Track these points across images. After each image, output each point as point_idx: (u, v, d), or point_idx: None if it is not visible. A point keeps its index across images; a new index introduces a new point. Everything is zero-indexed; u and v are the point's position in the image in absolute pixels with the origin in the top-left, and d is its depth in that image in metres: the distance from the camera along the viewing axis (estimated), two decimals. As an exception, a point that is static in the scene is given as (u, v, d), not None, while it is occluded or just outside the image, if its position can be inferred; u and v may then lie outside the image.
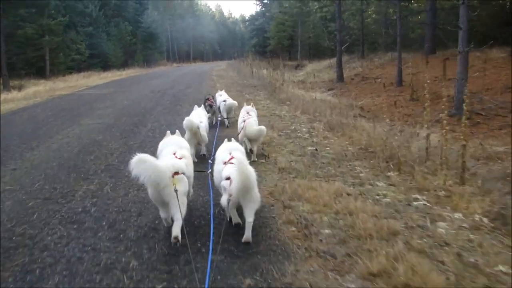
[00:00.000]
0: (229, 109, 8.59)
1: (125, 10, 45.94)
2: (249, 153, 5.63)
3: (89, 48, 35.08)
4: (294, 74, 29.59)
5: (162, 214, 3.53)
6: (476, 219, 3.69)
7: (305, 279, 2.81)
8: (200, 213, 4.00)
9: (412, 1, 32.02)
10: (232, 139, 4.51)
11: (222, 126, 7.95)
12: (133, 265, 3.05)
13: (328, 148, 6.44)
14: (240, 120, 6.37)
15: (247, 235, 3.28)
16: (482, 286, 2.69)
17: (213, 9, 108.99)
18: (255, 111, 6.87)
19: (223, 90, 9.57)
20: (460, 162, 4.89)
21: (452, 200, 4.13)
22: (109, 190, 4.76)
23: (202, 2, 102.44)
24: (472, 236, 3.36)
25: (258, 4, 66.14)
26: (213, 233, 3.26)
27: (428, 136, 5.47)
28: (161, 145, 4.39)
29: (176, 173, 3.39)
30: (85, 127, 8.74)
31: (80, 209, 4.19)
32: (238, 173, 3.24)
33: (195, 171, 4.06)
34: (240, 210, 3.53)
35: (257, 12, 68.48)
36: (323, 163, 5.62)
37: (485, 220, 3.67)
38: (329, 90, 20.86)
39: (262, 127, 5.89)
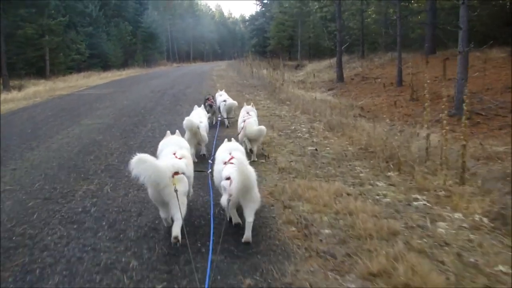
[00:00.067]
0: (229, 109, 8.59)
1: (125, 10, 45.97)
2: (249, 153, 5.64)
3: (89, 48, 35.11)
4: (294, 74, 29.62)
5: (162, 214, 3.53)
6: (476, 219, 3.69)
7: (305, 279, 2.81)
8: (200, 213, 4.00)
9: (412, 1, 32.04)
10: (232, 139, 4.52)
11: (222, 126, 7.96)
12: (133, 265, 3.05)
13: (328, 148, 6.44)
14: (240, 120, 6.37)
15: (247, 235, 3.28)
16: (482, 286, 2.69)
17: (213, 9, 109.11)
18: (255, 111, 6.87)
19: (223, 90, 9.57)
20: (460, 162, 4.89)
21: (452, 200, 4.13)
22: (109, 190, 4.76)
23: (202, 2, 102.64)
24: (472, 236, 3.36)
25: (258, 4, 66.24)
26: (213, 233, 3.26)
27: (428, 136, 5.47)
28: (161, 145, 4.39)
29: (176, 173, 3.39)
30: (85, 127, 8.74)
31: (80, 209, 4.19)
32: (238, 173, 3.24)
33: (195, 171, 4.06)
34: (240, 210, 3.53)
35: (257, 12, 68.56)
36: (323, 163, 5.62)
37: (485, 220, 3.67)
38: (329, 90, 20.87)
39: (262, 127, 5.89)
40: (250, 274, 2.88)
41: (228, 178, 3.45)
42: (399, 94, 16.43)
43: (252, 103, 7.14)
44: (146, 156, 3.18)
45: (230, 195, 3.33)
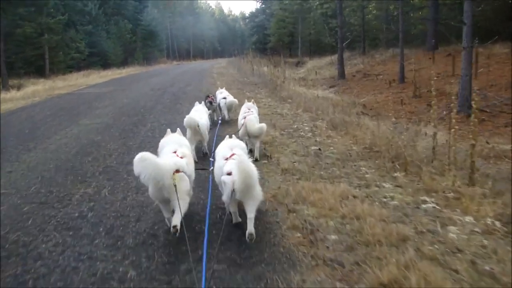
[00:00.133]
0: (230, 107, 8.51)
1: (124, 8, 45.79)
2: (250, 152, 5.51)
3: (88, 46, 34.95)
4: (294, 71, 29.45)
5: (165, 213, 3.47)
6: (488, 222, 3.53)
7: (312, 290, 2.67)
8: (201, 217, 3.84)
9: (414, -3, 31.83)
10: (233, 135, 4.45)
11: (223, 124, 7.82)
12: (131, 275, 2.91)
13: (331, 148, 6.28)
14: (240, 116, 6.28)
15: (250, 229, 3.13)
16: (499, 297, 2.55)
17: (213, 7, 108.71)
18: (256, 108, 6.77)
19: (224, 87, 9.45)
20: (468, 161, 4.75)
21: (462, 202, 3.98)
22: (107, 193, 4.61)
23: (202, 0, 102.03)
24: (485, 242, 3.20)
25: (258, 1, 65.98)
26: (215, 240, 3.15)
27: (435, 134, 5.31)
28: (162, 143, 4.32)
29: (177, 171, 3.35)
30: (83, 127, 8.59)
31: (76, 214, 4.05)
32: (239, 171, 3.16)
33: (196, 169, 4.02)
34: (240, 207, 3.47)
35: (257, 9, 68.29)
36: (327, 163, 5.47)
37: (498, 224, 3.51)
38: (330, 87, 20.72)
39: (263, 125, 5.77)
40: (254, 285, 2.74)
41: (229, 174, 3.37)
42: (402, 91, 16.29)
43: (253, 100, 7.03)
44: (147, 154, 3.15)
45: (232, 190, 3.23)
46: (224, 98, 8.53)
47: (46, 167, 5.74)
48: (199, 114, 6.19)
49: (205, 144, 6.03)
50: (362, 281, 2.72)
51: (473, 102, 4.92)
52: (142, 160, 3.12)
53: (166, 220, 3.54)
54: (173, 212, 3.29)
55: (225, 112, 8.43)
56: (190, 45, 75.26)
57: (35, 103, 13.94)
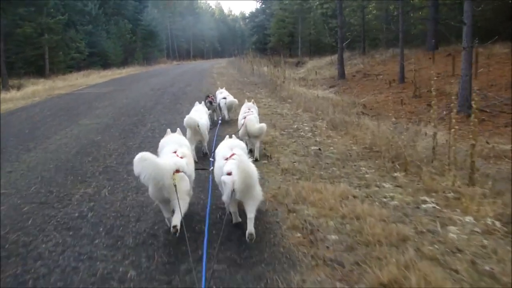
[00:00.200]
0: (230, 107, 8.51)
1: (124, 8, 45.77)
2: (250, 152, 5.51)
3: (88, 46, 34.94)
4: (294, 71, 29.42)
5: (165, 214, 3.47)
6: (488, 222, 3.53)
7: (312, 290, 2.66)
8: (201, 217, 3.84)
9: (414, -3, 31.83)
10: (233, 135, 4.46)
11: (223, 124, 7.82)
12: (131, 275, 2.91)
13: (331, 148, 6.28)
14: (240, 116, 6.28)
15: (250, 229, 3.13)
16: (499, 297, 2.55)
17: (213, 7, 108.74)
18: (256, 107, 6.77)
19: (224, 87, 9.45)
20: (468, 162, 4.74)
21: (462, 202, 3.97)
22: (107, 193, 4.61)
23: (202, 0, 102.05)
24: (485, 242, 3.20)
25: (258, 1, 65.98)
26: (215, 240, 3.15)
27: (435, 135, 5.31)
28: (162, 143, 4.33)
29: (177, 171, 3.35)
30: (83, 127, 8.58)
31: (76, 214, 4.04)
32: (239, 171, 3.16)
33: (196, 169, 4.02)
34: (240, 207, 3.48)
35: (257, 9, 68.28)
36: (327, 163, 5.47)
37: (498, 224, 3.51)
38: (330, 87, 20.72)
39: (263, 125, 5.77)
40: (254, 285, 2.74)
41: (229, 174, 3.37)
42: (402, 91, 16.28)
43: (253, 100, 7.04)
44: (147, 154, 3.15)
45: (233, 190, 3.24)
46: (224, 98, 8.53)
47: (46, 167, 5.74)
48: (199, 114, 6.20)
49: (205, 144, 6.03)
50: (362, 281, 2.72)
51: (473, 102, 4.90)
52: (142, 160, 3.12)
53: (166, 220, 3.54)
54: (173, 212, 3.29)
55: (225, 112, 8.43)
56: (190, 45, 75.28)
57: (35, 103, 13.94)
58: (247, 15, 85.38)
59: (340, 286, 2.69)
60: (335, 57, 27.56)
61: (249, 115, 6.01)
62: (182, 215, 3.16)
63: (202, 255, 2.97)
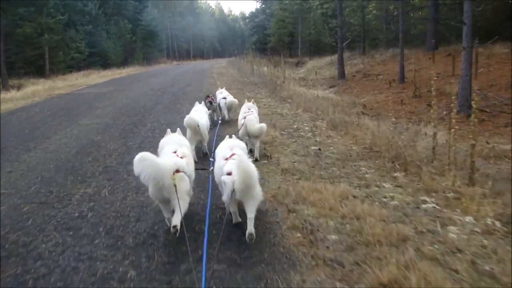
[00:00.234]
0: (230, 107, 8.52)
1: (124, 8, 45.77)
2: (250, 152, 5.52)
3: (88, 46, 34.94)
4: (294, 71, 29.41)
5: (165, 214, 3.47)
6: (489, 222, 3.53)
7: (312, 290, 2.66)
8: (201, 217, 3.84)
9: (414, -3, 31.82)
10: (233, 135, 4.47)
11: (223, 124, 7.82)
12: (131, 275, 2.90)
13: (331, 148, 6.28)
14: (240, 116, 6.28)
15: (250, 229, 3.13)
16: (499, 297, 2.55)
17: (213, 7, 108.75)
18: (256, 107, 6.78)
19: (224, 87, 9.45)
20: (468, 162, 4.74)
21: (462, 202, 3.97)
22: (107, 193, 4.61)
23: (202, 0, 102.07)
24: (485, 242, 3.19)
25: (258, 1, 65.98)
26: (215, 240, 3.16)
27: (435, 135, 5.31)
28: (162, 143, 4.33)
29: (177, 171, 3.35)
30: (83, 127, 8.58)
31: (76, 214, 4.04)
32: (239, 171, 3.17)
33: (196, 169, 4.03)
34: (240, 207, 3.51)
35: (257, 9, 68.27)
36: (327, 163, 5.46)
37: (498, 224, 3.51)
38: (330, 87, 20.72)
39: (263, 125, 5.77)
40: (254, 285, 2.74)
41: (229, 174, 3.37)
42: (402, 91, 16.28)
43: (253, 100, 7.05)
44: (147, 154, 3.15)
45: (232, 190, 3.24)
46: (224, 98, 8.54)
47: (46, 167, 5.74)
48: (199, 114, 6.20)
49: (205, 144, 6.04)
50: (362, 281, 2.72)
51: (473, 102, 4.89)
52: (142, 160, 3.12)
53: (166, 220, 3.54)
54: (173, 212, 3.29)
55: (225, 112, 8.44)
56: (190, 45, 75.28)
57: (35, 103, 13.94)
58: (247, 15, 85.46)
59: (340, 286, 2.68)
60: (335, 57, 27.56)
61: (249, 115, 6.01)
62: (182, 215, 3.16)
63: (202, 255, 2.96)
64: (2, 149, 6.85)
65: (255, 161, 5.45)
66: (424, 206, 3.98)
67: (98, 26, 37.70)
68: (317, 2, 44.99)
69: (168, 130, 4.63)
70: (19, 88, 20.10)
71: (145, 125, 8.48)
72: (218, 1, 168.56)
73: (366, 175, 4.94)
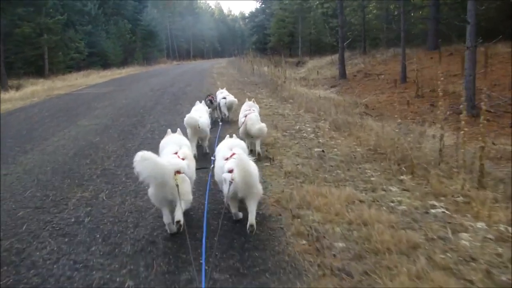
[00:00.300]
0: (230, 106, 8.42)
1: (124, 8, 45.67)
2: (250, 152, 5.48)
3: (88, 46, 34.83)
4: (295, 71, 29.30)
5: (166, 219, 3.34)
6: (502, 229, 3.38)
7: (319, 302, 2.52)
8: (202, 223, 3.66)
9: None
10: (234, 135, 4.44)
11: (224, 124, 7.69)
12: (129, 285, 2.76)
13: (335, 150, 6.13)
14: (241, 115, 6.22)
15: (251, 221, 3.20)
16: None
17: (213, 7, 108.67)
18: (257, 106, 6.71)
19: (224, 88, 9.33)
20: (476, 164, 4.61)
21: (472, 207, 3.83)
22: (104, 197, 4.47)
23: (202, 0, 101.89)
24: (499, 250, 3.05)
25: (258, 1, 65.81)
26: (217, 248, 3.05)
27: (442, 136, 5.16)
28: (162, 144, 4.27)
29: (178, 172, 3.29)
30: (82, 128, 8.44)
31: (72, 220, 3.90)
32: (240, 169, 3.17)
33: (197, 168, 3.96)
34: (240, 205, 3.56)
35: (257, 9, 68.08)
36: (331, 166, 5.31)
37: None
38: (331, 87, 20.58)
39: (263, 125, 5.70)
40: (258, 296, 2.60)
41: (230, 171, 3.34)
42: (404, 91, 16.12)
43: (253, 99, 6.98)
44: (148, 154, 3.08)
45: (231, 182, 3.28)
46: (224, 98, 8.44)
47: (42, 170, 5.60)
48: (199, 113, 6.13)
49: (206, 143, 6.04)
50: (373, 293, 2.58)
51: (482, 103, 4.74)
52: (143, 160, 3.05)
53: (166, 226, 3.39)
54: (173, 219, 3.22)
55: (225, 111, 8.35)
56: (190, 45, 75.13)
57: (33, 103, 13.80)
58: (247, 15, 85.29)
59: (349, 298, 2.55)
60: (335, 57, 27.42)
61: (250, 114, 5.96)
62: (183, 210, 3.14)
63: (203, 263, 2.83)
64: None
65: (258, 156, 5.50)
66: (433, 211, 3.84)
67: (98, 26, 37.60)
68: (317, 2, 44.83)
69: (169, 130, 4.56)
70: (18, 88, 19.97)
71: (145, 126, 8.34)
72: (218, 1, 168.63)
73: (372, 178, 4.79)
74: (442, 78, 5.52)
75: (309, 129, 7.61)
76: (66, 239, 3.48)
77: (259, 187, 3.40)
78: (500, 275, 2.71)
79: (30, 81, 23.93)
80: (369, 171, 5.10)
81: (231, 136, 4.42)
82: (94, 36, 36.24)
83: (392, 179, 4.77)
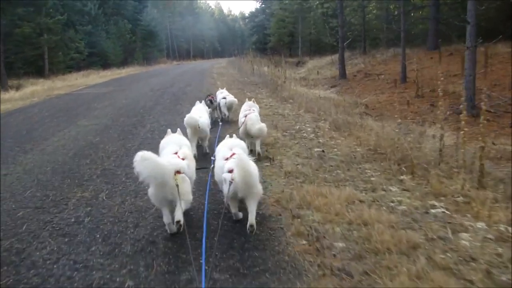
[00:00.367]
0: (230, 106, 8.43)
1: (124, 8, 45.69)
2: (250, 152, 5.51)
3: (88, 46, 34.85)
4: (295, 71, 29.27)
5: (166, 219, 3.34)
6: (502, 229, 3.38)
7: (319, 302, 2.52)
8: (202, 223, 3.66)
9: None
10: (234, 135, 4.45)
11: (224, 124, 7.69)
12: (128, 285, 2.76)
13: (335, 150, 6.13)
14: (241, 115, 6.23)
15: (251, 221, 3.22)
16: (518, 310, 2.40)
17: (213, 7, 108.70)
18: (257, 106, 6.73)
19: (225, 88, 9.33)
20: (476, 164, 4.60)
21: (472, 207, 3.83)
22: (104, 197, 4.46)
23: (201, 0, 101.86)
24: (499, 250, 3.05)
25: (258, 1, 65.80)
26: (216, 248, 3.04)
27: (442, 136, 5.16)
28: (162, 144, 4.28)
29: (178, 172, 3.30)
30: (82, 128, 8.44)
31: (72, 220, 3.90)
32: (239, 169, 3.17)
33: (197, 168, 3.97)
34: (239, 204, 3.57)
35: (257, 9, 68.08)
36: (331, 166, 5.31)
37: (512, 230, 3.37)
38: (331, 87, 20.58)
39: (263, 125, 5.71)
40: (258, 296, 2.60)
41: (230, 171, 3.35)
42: (404, 91, 16.11)
43: (253, 99, 6.99)
44: (148, 154, 3.09)
45: (231, 182, 3.29)
46: (224, 98, 8.45)
47: (42, 170, 5.60)
48: (199, 113, 6.15)
49: (206, 143, 6.06)
50: (373, 293, 2.58)
51: (482, 103, 4.73)
52: (143, 159, 3.05)
53: (166, 226, 3.39)
54: (173, 219, 3.22)
55: (225, 111, 8.36)
56: (190, 45, 75.13)
57: (33, 103, 13.80)
58: (246, 15, 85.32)
59: (349, 298, 2.54)
60: (335, 57, 27.41)
61: (251, 114, 5.98)
62: (183, 209, 3.15)
63: (203, 263, 2.82)
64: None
65: (258, 156, 5.52)
66: (433, 211, 3.83)
67: (98, 26, 37.61)
68: (317, 2, 44.71)
69: (169, 130, 4.58)
70: (18, 88, 19.97)
71: (145, 126, 8.33)
72: (218, 1, 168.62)
73: (372, 178, 4.79)
74: (442, 78, 5.51)
75: (309, 129, 7.61)
76: (66, 239, 3.48)
77: (259, 187, 3.40)
78: (500, 275, 2.71)
79: (30, 81, 23.93)
80: (369, 171, 5.09)
81: (231, 136, 4.43)
82: (94, 36, 36.25)
83: (392, 179, 4.77)
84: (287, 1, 48.23)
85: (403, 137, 5.60)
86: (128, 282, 2.80)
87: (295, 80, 19.26)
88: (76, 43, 33.20)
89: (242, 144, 4.34)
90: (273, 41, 51.68)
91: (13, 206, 4.30)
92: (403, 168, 4.99)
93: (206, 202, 3.59)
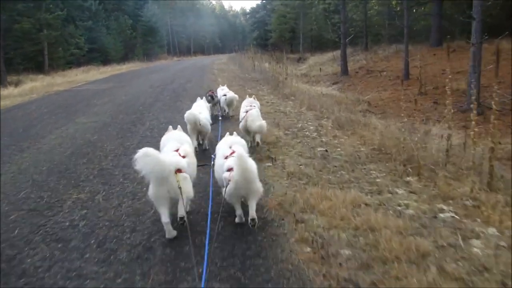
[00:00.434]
0: (230, 103, 8.34)
1: (124, 3, 45.46)
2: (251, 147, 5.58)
3: (88, 42, 34.63)
4: (296, 67, 29.12)
5: (164, 218, 3.22)
6: (515, 235, 3.24)
7: (325, 316, 2.38)
8: (202, 228, 3.53)
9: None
10: (234, 132, 4.40)
11: (225, 122, 7.55)
12: (123, 296, 2.62)
13: (339, 149, 5.97)
14: (242, 110, 6.20)
15: (252, 214, 3.27)
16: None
17: (214, 2, 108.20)
18: (258, 103, 6.68)
19: (225, 85, 9.19)
20: (485, 165, 4.44)
21: (483, 211, 3.68)
22: (101, 199, 4.31)
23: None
24: (514, 258, 2.90)
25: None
26: (217, 255, 2.93)
27: (449, 136, 4.99)
28: (163, 140, 4.28)
29: (179, 170, 3.26)
30: (80, 126, 8.28)
31: (67, 223, 3.75)
32: (239, 167, 3.17)
33: (198, 165, 3.94)
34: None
35: (258, 5, 67.99)
36: (335, 166, 5.15)
37: (525, 236, 3.22)
38: (333, 83, 20.39)
39: (263, 122, 5.68)
40: (260, 309, 2.45)
41: (230, 170, 3.34)
42: (407, 88, 15.91)
43: (254, 96, 6.92)
44: (150, 150, 3.07)
45: (229, 180, 3.32)
46: (225, 95, 8.37)
47: (38, 170, 5.45)
48: (200, 109, 6.09)
49: (206, 139, 6.07)
50: (382, 306, 2.43)
51: (492, 102, 4.53)
52: (145, 156, 3.03)
53: (164, 227, 3.26)
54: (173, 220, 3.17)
55: (225, 108, 8.29)
56: (190, 41, 74.83)
57: (32, 100, 13.64)
58: (247, 10, 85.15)
59: (357, 313, 2.40)
60: (337, 53, 27.21)
61: (251, 110, 5.97)
62: (185, 208, 3.18)
63: (203, 272, 2.68)
64: (-6, 150, 6.56)
65: (257, 145, 5.62)
66: (442, 215, 3.68)
67: (98, 21, 37.38)
68: (319, -2, 44.54)
69: (170, 127, 4.57)
70: (17, 84, 19.78)
71: (144, 124, 8.18)
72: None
73: (377, 180, 4.63)
74: (450, 76, 5.33)
75: (311, 127, 7.45)
76: (60, 245, 3.33)
77: (259, 185, 3.40)
78: (516, 287, 2.56)
79: (29, 77, 23.72)
80: (374, 172, 4.94)
81: (231, 134, 4.40)
82: (95, 32, 36.03)
83: (398, 180, 4.62)
84: (288, -3, 47.98)
85: (408, 137, 5.43)
86: (123, 292, 2.65)
87: (296, 76, 19.10)
88: (76, 39, 32.99)
89: (242, 141, 4.30)
90: (274, 37, 51.46)
91: (6, 208, 4.15)
92: (409, 169, 4.82)
93: (209, 206, 3.48)
